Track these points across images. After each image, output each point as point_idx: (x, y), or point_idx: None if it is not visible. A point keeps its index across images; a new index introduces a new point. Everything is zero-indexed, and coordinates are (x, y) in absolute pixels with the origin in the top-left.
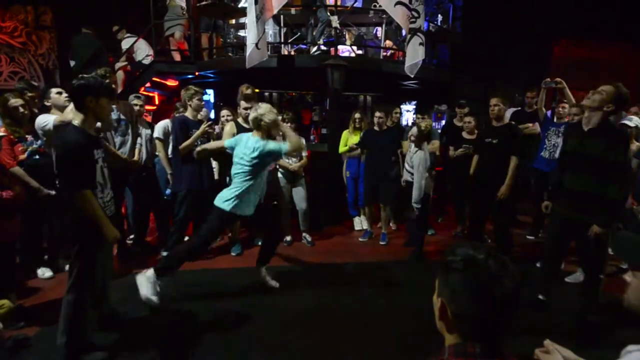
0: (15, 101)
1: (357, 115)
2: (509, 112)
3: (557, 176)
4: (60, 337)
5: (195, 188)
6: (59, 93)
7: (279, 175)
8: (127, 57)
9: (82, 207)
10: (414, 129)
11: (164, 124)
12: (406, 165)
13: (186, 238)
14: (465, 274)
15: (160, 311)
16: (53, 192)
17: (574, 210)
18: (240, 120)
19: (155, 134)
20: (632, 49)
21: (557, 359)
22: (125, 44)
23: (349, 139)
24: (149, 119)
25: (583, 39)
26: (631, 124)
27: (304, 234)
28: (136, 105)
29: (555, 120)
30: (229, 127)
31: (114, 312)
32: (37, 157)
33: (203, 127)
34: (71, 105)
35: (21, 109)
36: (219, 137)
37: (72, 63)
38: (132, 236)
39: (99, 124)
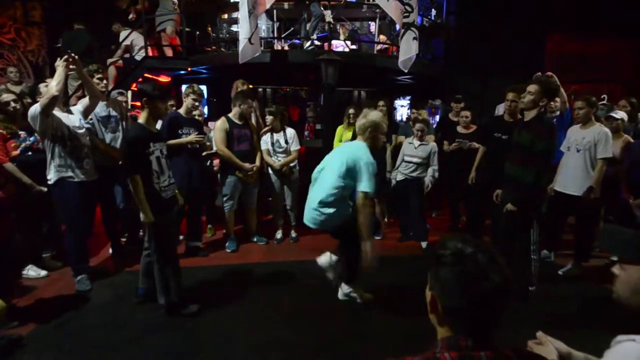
0: (7, 96)
1: (351, 111)
2: (501, 107)
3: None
4: (160, 299)
5: (185, 185)
6: (47, 85)
7: (271, 171)
8: (124, 51)
9: (132, 189)
10: (419, 125)
11: None
12: (411, 159)
13: (181, 237)
14: (454, 268)
15: (155, 309)
16: (45, 189)
17: (506, 192)
18: (232, 115)
19: None
20: (625, 43)
21: (550, 350)
22: (123, 38)
23: (343, 135)
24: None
25: (576, 34)
26: (617, 117)
27: (290, 231)
28: (121, 101)
29: (546, 114)
30: (220, 122)
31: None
32: (29, 153)
33: (192, 137)
34: (50, 82)
35: (13, 104)
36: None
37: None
38: (126, 234)
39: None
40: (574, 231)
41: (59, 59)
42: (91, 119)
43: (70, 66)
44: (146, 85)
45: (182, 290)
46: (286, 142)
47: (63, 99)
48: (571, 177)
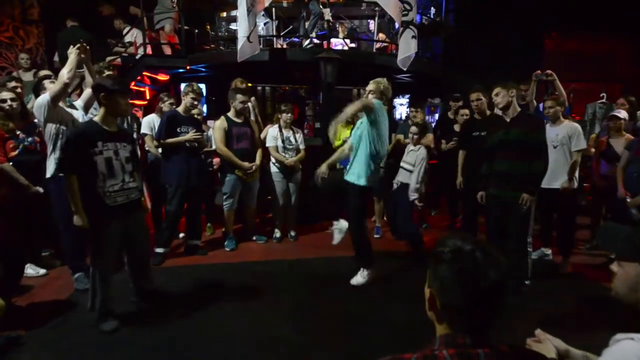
0: (5, 94)
1: None
2: None
3: (486, 167)
4: (88, 303)
5: (184, 184)
6: (53, 82)
7: (275, 169)
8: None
9: (66, 188)
10: (414, 127)
11: (149, 119)
12: (403, 164)
13: (181, 235)
14: (452, 265)
15: (155, 307)
16: (41, 190)
17: (505, 189)
18: (230, 114)
19: (142, 130)
20: (622, 41)
21: (549, 347)
22: (129, 36)
23: (341, 133)
24: (139, 114)
25: (575, 32)
26: (621, 116)
27: (289, 230)
28: None
29: (545, 112)
30: (219, 121)
31: (153, 290)
32: (25, 154)
33: (190, 135)
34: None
35: (9, 102)
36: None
37: (57, 58)
38: None
39: None
40: (556, 226)
41: (71, 47)
42: (95, 115)
43: (82, 55)
44: (104, 79)
45: (107, 304)
46: (296, 139)
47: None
48: (551, 172)
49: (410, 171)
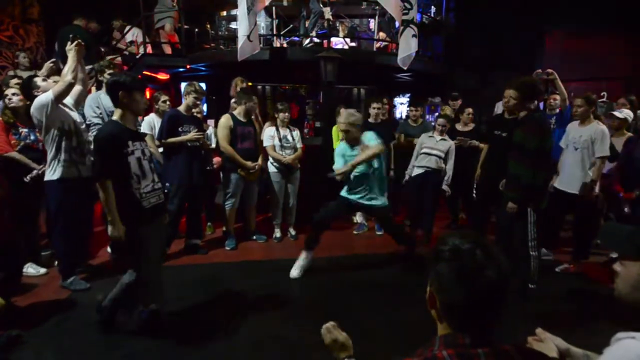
0: (8, 90)
1: (342, 111)
2: (500, 104)
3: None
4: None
5: (185, 183)
6: (45, 79)
7: (273, 169)
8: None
9: (101, 197)
10: (441, 120)
11: (148, 119)
12: (431, 151)
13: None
14: (451, 264)
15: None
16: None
17: (508, 190)
18: (236, 112)
19: (142, 129)
20: (623, 40)
21: (549, 346)
22: (129, 35)
23: (340, 134)
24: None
25: (576, 31)
26: (620, 116)
27: (289, 229)
28: None
29: (546, 111)
30: (225, 119)
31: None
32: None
33: (192, 135)
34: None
35: (10, 96)
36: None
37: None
38: None
39: None
40: (572, 228)
41: (69, 43)
42: (101, 113)
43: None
44: (121, 75)
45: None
46: (293, 137)
47: None
48: (569, 175)
49: (440, 157)
